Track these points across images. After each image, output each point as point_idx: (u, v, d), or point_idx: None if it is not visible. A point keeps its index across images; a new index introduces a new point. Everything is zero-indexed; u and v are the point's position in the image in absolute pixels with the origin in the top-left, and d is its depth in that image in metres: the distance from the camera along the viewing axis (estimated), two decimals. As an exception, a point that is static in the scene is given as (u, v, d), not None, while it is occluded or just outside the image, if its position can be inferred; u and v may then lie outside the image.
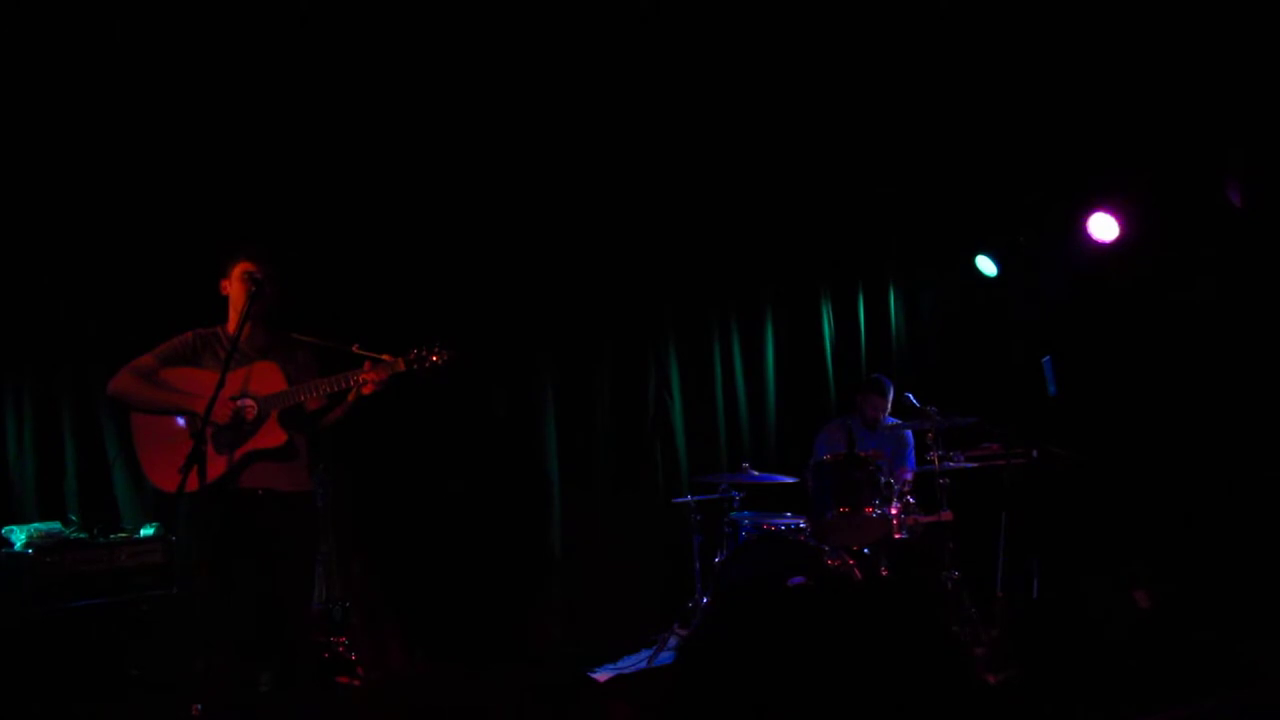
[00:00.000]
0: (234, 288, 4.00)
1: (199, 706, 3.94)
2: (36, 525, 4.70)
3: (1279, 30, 4.88)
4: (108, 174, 5.19)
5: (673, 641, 5.87)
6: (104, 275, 5.27)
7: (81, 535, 4.72)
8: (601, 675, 5.42)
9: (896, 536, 5.45)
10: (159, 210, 5.28)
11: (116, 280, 5.28)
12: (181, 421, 3.90)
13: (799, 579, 5.18)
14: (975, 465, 5.62)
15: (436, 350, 3.96)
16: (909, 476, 5.85)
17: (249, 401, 3.87)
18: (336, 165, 5.58)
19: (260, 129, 5.31)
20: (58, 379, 5.25)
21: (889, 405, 6.11)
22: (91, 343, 5.19)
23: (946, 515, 5.43)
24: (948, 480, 5.50)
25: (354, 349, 3.95)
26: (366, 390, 3.88)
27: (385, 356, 3.93)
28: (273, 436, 3.89)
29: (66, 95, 4.92)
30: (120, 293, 5.25)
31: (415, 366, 3.93)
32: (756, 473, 5.83)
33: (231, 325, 4.00)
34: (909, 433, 6.03)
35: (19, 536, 4.61)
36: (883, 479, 5.48)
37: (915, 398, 5.73)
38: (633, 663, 5.75)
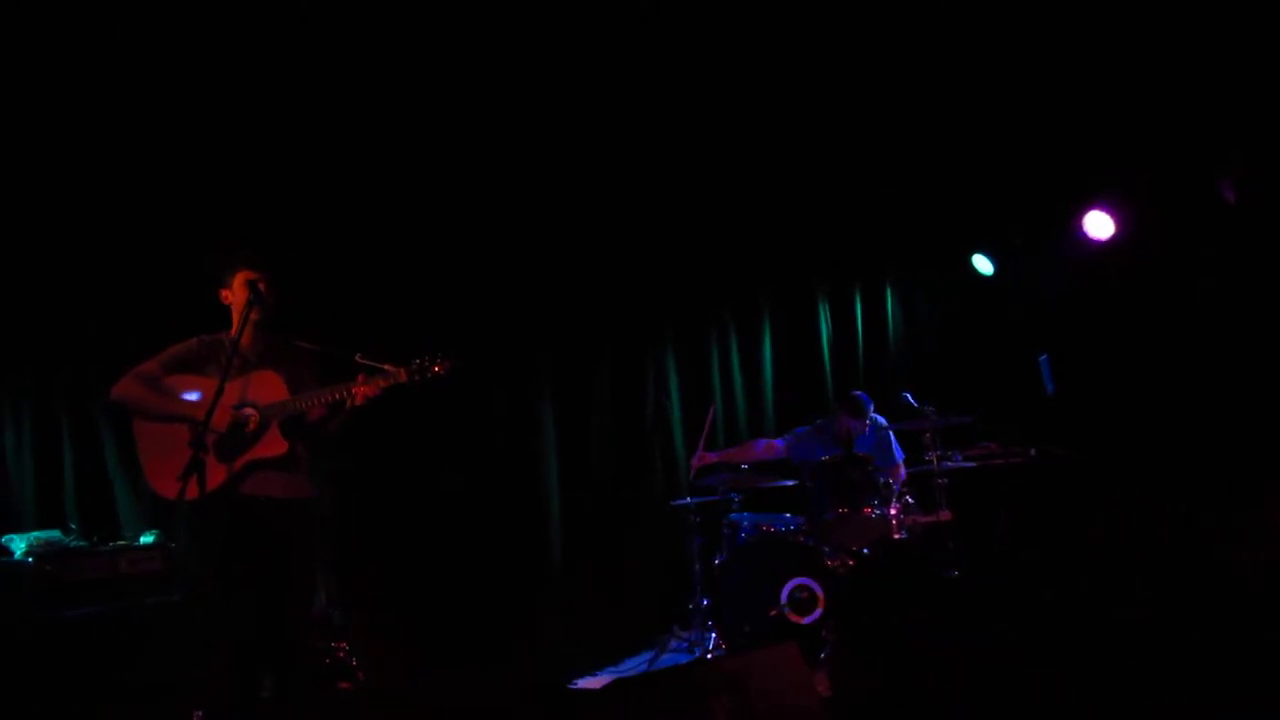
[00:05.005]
0: (236, 296, 4.00)
1: (200, 713, 3.96)
2: (36, 534, 4.70)
3: (1273, 28, 4.89)
4: (113, 179, 5.20)
5: (673, 643, 5.88)
6: (103, 280, 5.28)
7: (81, 543, 4.72)
8: (601, 678, 5.43)
9: (895, 536, 5.46)
10: (162, 216, 5.29)
11: (116, 285, 5.28)
12: (184, 428, 3.90)
13: (798, 580, 5.21)
14: (973, 465, 5.63)
15: (439, 360, 3.94)
16: (903, 475, 5.84)
17: (250, 411, 3.87)
18: (341, 168, 5.57)
19: (257, 131, 5.30)
20: (56, 386, 5.26)
21: (864, 425, 6.04)
22: (90, 348, 5.20)
23: (945, 515, 5.44)
24: (946, 480, 5.50)
25: (357, 358, 3.93)
26: (359, 402, 3.87)
27: (387, 367, 3.91)
28: (274, 445, 3.88)
29: (66, 98, 4.92)
30: (120, 297, 5.26)
31: (417, 377, 3.92)
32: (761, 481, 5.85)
33: (235, 332, 4.00)
34: (882, 419, 6.01)
35: (19, 545, 4.62)
36: (881, 479, 5.50)
37: (913, 397, 5.74)
38: (633, 665, 5.75)
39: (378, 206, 5.78)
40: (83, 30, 4.66)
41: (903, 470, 5.91)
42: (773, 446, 6.24)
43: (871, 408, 6.04)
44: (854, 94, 5.88)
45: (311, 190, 5.54)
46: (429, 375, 3.92)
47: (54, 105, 4.93)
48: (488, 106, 5.61)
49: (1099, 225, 5.93)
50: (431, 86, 5.43)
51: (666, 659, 5.72)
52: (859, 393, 6.14)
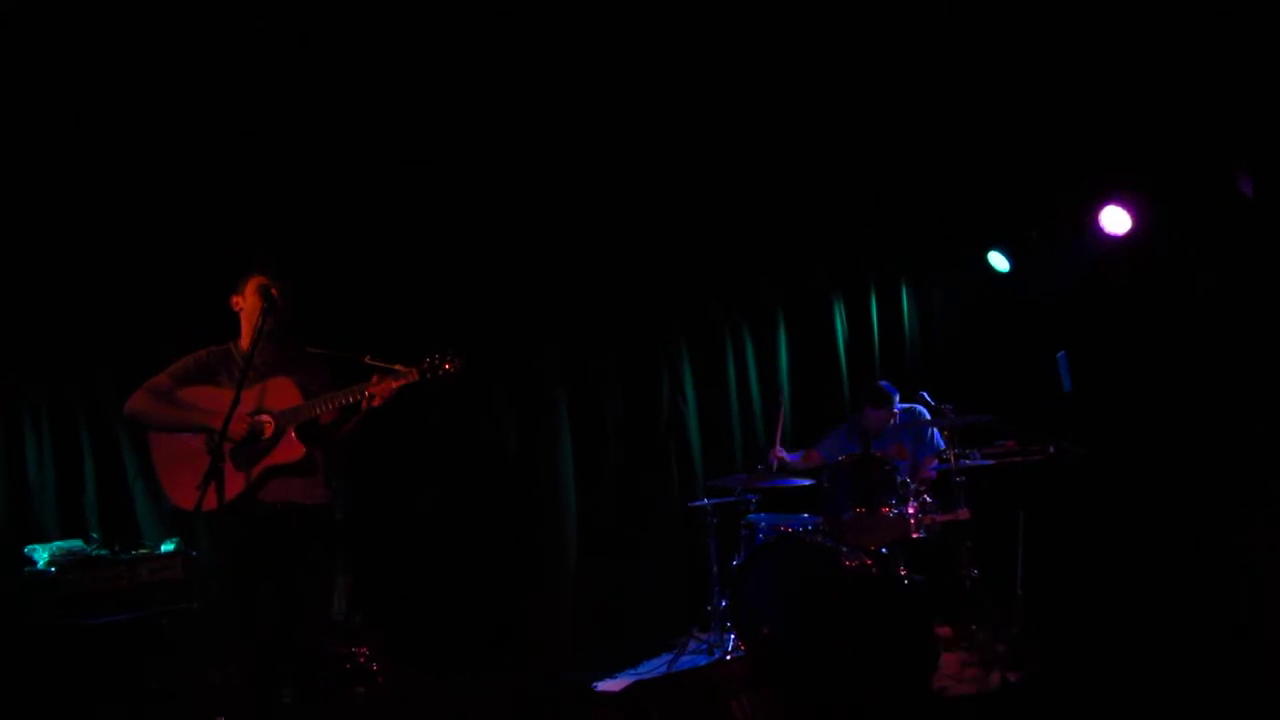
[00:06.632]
0: (247, 302, 4.02)
1: (222, 719, 3.99)
2: (59, 543, 4.77)
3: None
4: (129, 190, 5.25)
5: (692, 645, 5.87)
6: (122, 290, 5.32)
7: (103, 552, 4.78)
8: (621, 681, 5.43)
9: (914, 536, 5.44)
10: (171, 222, 5.34)
11: (134, 294, 5.33)
12: (199, 439, 3.93)
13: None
14: (992, 463, 5.59)
15: (449, 358, 3.96)
16: (934, 473, 5.81)
17: (266, 417, 3.89)
18: (343, 168, 5.56)
19: (258, 130, 5.31)
20: (76, 397, 5.31)
21: (894, 414, 6.05)
22: (110, 359, 5.24)
23: (964, 513, 5.40)
24: (965, 478, 5.47)
25: (366, 360, 3.95)
26: (376, 403, 3.88)
27: (398, 366, 3.92)
28: (291, 451, 3.91)
29: (76, 108, 4.96)
30: (138, 307, 5.31)
31: (429, 375, 3.94)
32: (777, 473, 5.85)
33: (245, 340, 4.01)
34: (923, 411, 6.00)
35: (42, 555, 4.67)
36: (900, 478, 5.47)
37: (930, 396, 5.72)
38: (652, 667, 5.75)
39: (381, 208, 5.78)
40: (88, 40, 4.69)
41: (934, 465, 5.86)
42: (810, 455, 6.28)
43: (897, 397, 6.06)
44: (868, 91, 5.86)
45: (313, 190, 5.54)
46: (440, 373, 3.93)
47: (65, 118, 4.97)
48: (494, 104, 5.59)
49: (1116, 220, 5.89)
50: (436, 86, 5.42)
51: (685, 661, 5.71)
52: (883, 382, 6.17)
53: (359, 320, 5.37)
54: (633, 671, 5.70)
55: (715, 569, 5.87)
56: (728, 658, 5.43)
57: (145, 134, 5.13)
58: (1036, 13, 5.22)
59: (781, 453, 6.07)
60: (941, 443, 5.97)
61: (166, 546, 4.87)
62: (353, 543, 5.28)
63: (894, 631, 4.34)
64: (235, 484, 3.82)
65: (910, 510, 5.43)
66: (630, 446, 6.71)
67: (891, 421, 6.04)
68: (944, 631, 5.34)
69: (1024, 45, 5.42)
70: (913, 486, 5.51)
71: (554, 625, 6.13)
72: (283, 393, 3.92)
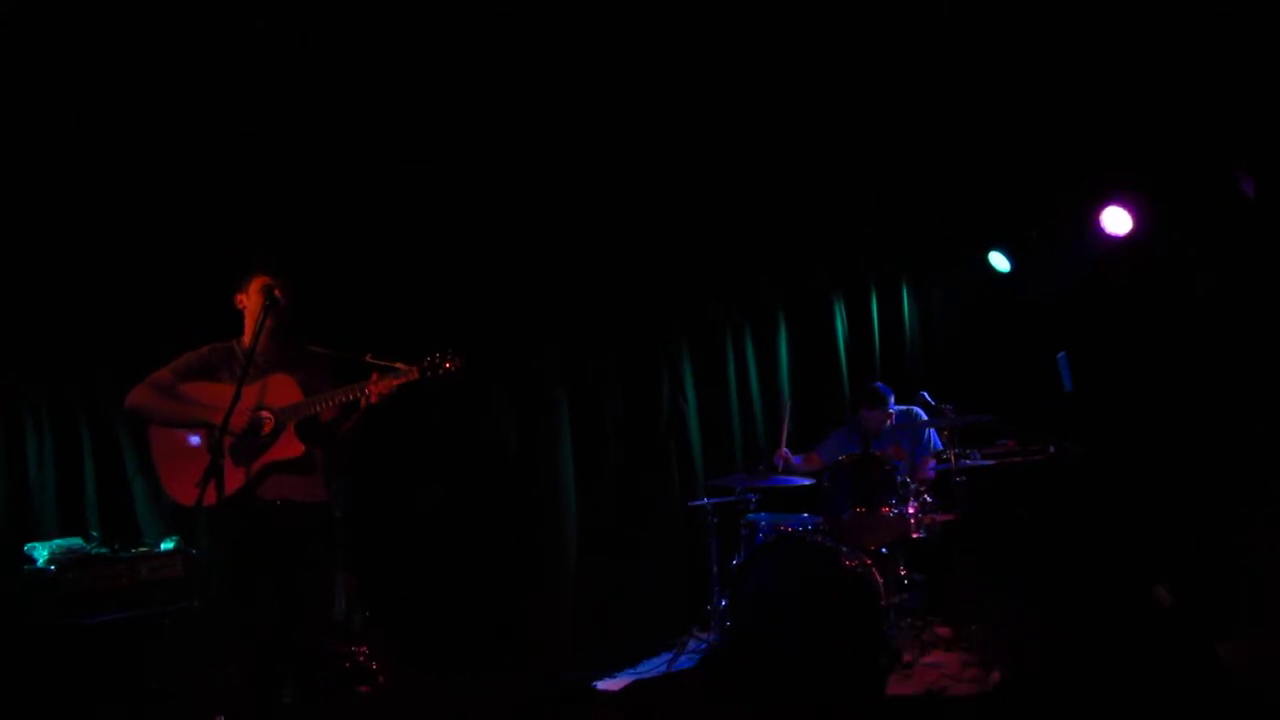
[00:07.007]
0: (250, 301, 4.04)
1: (221, 718, 3.99)
2: (58, 541, 4.76)
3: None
4: (129, 190, 5.25)
5: (692, 645, 5.87)
6: (122, 288, 5.33)
7: (103, 550, 4.77)
8: (621, 680, 5.43)
9: (914, 536, 5.44)
10: (172, 222, 5.34)
11: (133, 293, 5.33)
12: (197, 437, 3.94)
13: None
14: (992, 463, 5.59)
15: (450, 357, 3.97)
16: (932, 473, 5.81)
17: (266, 413, 3.90)
18: (342, 167, 5.55)
19: (263, 134, 5.32)
20: (76, 395, 5.31)
21: (889, 414, 6.07)
22: (109, 357, 5.25)
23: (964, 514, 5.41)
24: (965, 478, 5.47)
25: (367, 358, 3.96)
26: (375, 400, 3.89)
27: (399, 365, 3.94)
28: (290, 448, 3.92)
29: (76, 108, 4.97)
30: (137, 306, 5.31)
31: (429, 374, 3.95)
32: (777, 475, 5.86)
33: (247, 338, 4.03)
34: (920, 412, 6.01)
35: (41, 553, 4.67)
36: (899, 477, 5.47)
37: (930, 396, 5.72)
38: (652, 667, 5.75)
39: (382, 208, 5.78)
40: (88, 40, 4.69)
41: (932, 466, 5.87)
42: (812, 458, 6.29)
43: (892, 398, 6.08)
44: (868, 92, 5.86)
45: (314, 189, 5.54)
46: (440, 372, 3.94)
47: (69, 122, 4.97)
48: (494, 104, 5.59)
49: (1116, 221, 5.89)
50: (436, 85, 5.42)
51: (685, 661, 5.71)
52: (878, 384, 6.19)
53: (359, 319, 5.37)
54: (633, 671, 5.70)
55: (715, 569, 5.86)
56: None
57: (145, 134, 5.13)
58: (1036, 13, 5.22)
59: (786, 453, 6.09)
60: (939, 443, 5.97)
61: (166, 545, 4.86)
62: (353, 542, 5.27)
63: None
64: (235, 479, 3.83)
65: (910, 510, 5.44)
66: (630, 446, 6.71)
67: (888, 422, 6.06)
68: (944, 631, 5.36)
69: (1024, 45, 5.42)
70: (912, 486, 5.51)
71: (554, 625, 6.13)
72: (283, 390, 3.93)
